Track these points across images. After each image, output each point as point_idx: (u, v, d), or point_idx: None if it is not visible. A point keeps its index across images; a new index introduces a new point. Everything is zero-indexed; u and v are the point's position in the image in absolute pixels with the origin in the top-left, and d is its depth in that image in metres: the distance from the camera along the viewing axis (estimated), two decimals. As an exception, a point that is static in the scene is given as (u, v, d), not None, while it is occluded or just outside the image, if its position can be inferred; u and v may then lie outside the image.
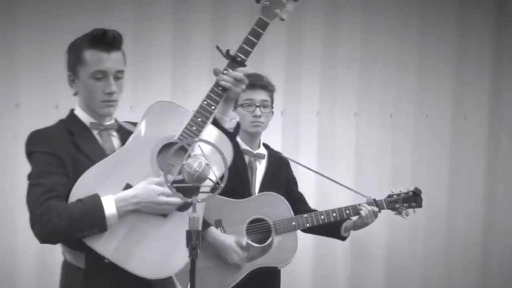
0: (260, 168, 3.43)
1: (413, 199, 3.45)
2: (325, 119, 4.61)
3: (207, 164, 2.11)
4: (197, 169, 2.09)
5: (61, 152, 2.38)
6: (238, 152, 3.31)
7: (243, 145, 3.39)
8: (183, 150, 2.35)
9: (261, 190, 3.38)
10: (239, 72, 2.51)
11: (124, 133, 2.50)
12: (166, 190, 2.30)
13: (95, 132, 2.49)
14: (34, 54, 4.06)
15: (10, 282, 4.08)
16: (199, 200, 2.12)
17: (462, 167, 4.83)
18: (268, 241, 3.30)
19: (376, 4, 4.64)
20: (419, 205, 3.47)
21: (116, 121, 2.56)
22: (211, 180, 2.14)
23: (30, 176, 2.39)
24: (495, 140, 4.90)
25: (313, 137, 4.57)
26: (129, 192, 2.34)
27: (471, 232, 4.85)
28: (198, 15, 4.34)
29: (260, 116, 3.35)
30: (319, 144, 4.57)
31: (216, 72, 2.52)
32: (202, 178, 2.10)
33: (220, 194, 3.13)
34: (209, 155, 2.23)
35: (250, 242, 3.26)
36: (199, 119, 2.44)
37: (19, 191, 3.99)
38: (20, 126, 4.05)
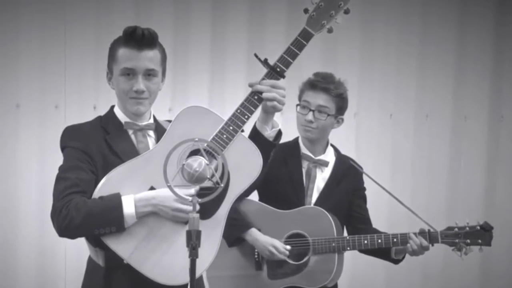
0: (321, 177, 3.12)
1: (480, 235, 2.99)
2: (325, 119, 4.60)
3: (207, 164, 2.10)
4: (197, 169, 2.09)
5: (91, 149, 2.39)
6: (296, 156, 3.09)
7: (304, 149, 3.10)
8: (212, 156, 2.30)
9: (318, 201, 3.09)
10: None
11: (162, 134, 2.45)
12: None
13: (130, 132, 2.47)
14: (34, 54, 4.06)
15: (10, 282, 4.08)
16: (199, 201, 2.11)
17: (462, 167, 4.82)
18: (304, 260, 3.05)
19: (376, 4, 4.63)
20: (486, 243, 2.97)
21: (155, 120, 2.52)
22: (211, 180, 2.13)
23: (59, 170, 2.40)
24: (495, 140, 4.89)
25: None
26: (150, 193, 2.33)
27: (471, 232, 4.84)
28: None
29: (311, 122, 3.03)
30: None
31: (251, 85, 2.44)
32: (202, 178, 2.10)
33: (271, 200, 3.08)
34: (241, 165, 2.31)
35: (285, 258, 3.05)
36: (231, 128, 2.38)
37: (20, 191, 4.06)
38: (20, 126, 4.05)
